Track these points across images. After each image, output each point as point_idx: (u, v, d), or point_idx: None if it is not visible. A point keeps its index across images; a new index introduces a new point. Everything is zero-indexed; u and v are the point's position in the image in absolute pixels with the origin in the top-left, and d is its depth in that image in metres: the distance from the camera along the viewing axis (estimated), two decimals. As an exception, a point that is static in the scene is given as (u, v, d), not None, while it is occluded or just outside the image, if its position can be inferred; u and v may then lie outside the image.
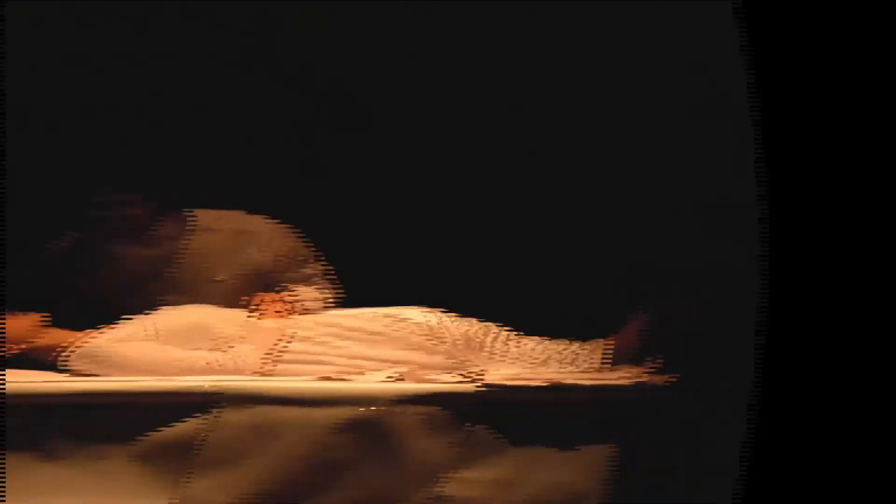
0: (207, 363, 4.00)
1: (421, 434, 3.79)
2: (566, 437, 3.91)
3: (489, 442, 3.86)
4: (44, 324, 4.16)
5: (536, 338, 4.39)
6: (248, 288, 4.52)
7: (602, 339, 4.38)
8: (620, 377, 4.09)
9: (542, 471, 3.88)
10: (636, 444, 3.98)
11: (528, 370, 4.22)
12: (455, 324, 4.30)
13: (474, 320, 4.36)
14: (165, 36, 5.02)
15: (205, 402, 3.68)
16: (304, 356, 4.15)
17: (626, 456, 3.92)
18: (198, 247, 4.60)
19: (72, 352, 4.02)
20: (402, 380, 3.96)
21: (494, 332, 4.34)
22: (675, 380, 4.04)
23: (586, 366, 4.28)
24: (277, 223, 4.66)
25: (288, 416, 3.73)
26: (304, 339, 4.17)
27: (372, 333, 4.21)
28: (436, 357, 4.20)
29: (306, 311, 4.39)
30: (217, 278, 4.58)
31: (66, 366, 4.02)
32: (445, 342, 4.23)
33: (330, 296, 4.65)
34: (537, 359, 4.29)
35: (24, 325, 4.09)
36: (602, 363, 4.30)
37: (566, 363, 4.30)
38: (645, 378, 4.06)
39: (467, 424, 3.83)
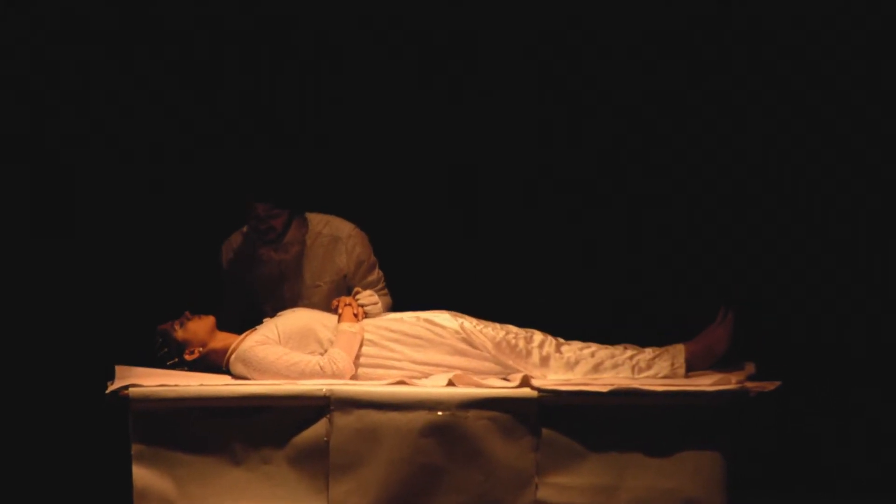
0: (321, 367, 4.25)
1: (506, 438, 4.00)
2: (661, 443, 4.05)
3: (568, 447, 4.03)
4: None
5: (580, 343, 4.49)
6: (338, 292, 4.78)
7: (682, 344, 4.43)
8: (716, 383, 4.16)
9: (642, 476, 4.04)
10: (742, 450, 4.09)
11: (586, 376, 4.34)
12: (488, 329, 4.46)
13: (511, 326, 4.50)
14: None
15: (324, 406, 4.00)
16: (375, 360, 4.40)
17: (732, 462, 4.04)
18: (311, 252, 4.83)
19: (231, 354, 4.36)
20: (478, 385, 4.14)
21: (539, 338, 4.46)
22: (776, 385, 4.12)
23: (667, 371, 4.36)
24: (355, 229, 4.86)
25: (384, 420, 4.00)
26: (372, 343, 4.42)
27: (416, 337, 4.42)
28: (485, 363, 4.39)
29: (366, 315, 4.57)
30: (320, 283, 4.83)
31: (228, 368, 4.38)
32: (488, 348, 4.40)
33: (388, 301, 4.83)
34: (589, 364, 4.38)
35: (205, 328, 4.47)
36: (687, 368, 4.36)
37: (641, 369, 4.38)
38: (742, 384, 4.13)
39: (545, 429, 4.02)
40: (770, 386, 4.11)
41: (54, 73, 5.17)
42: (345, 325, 4.43)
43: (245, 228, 4.88)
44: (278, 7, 5.29)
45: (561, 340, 4.50)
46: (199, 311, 4.52)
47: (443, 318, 4.49)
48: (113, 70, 5.22)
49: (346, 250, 4.84)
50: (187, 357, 4.45)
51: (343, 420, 4.01)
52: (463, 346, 4.41)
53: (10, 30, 5.13)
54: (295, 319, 4.48)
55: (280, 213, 4.70)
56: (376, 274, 4.88)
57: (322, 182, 5.21)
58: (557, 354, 4.41)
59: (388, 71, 5.35)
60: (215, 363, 4.44)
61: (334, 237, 4.86)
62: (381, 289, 4.86)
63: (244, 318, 4.80)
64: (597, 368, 4.39)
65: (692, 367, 4.40)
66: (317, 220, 4.89)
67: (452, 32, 5.32)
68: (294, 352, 4.34)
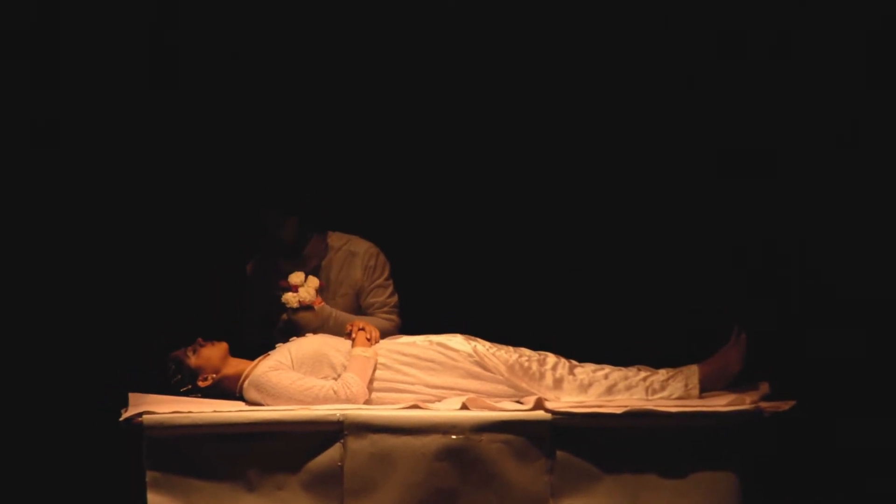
0: (335, 392, 4.26)
1: (520, 461, 4.00)
2: (676, 464, 4.04)
3: (582, 469, 4.03)
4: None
5: (593, 365, 4.49)
6: (353, 305, 4.88)
7: (695, 365, 4.43)
8: (730, 403, 4.16)
9: (657, 498, 4.03)
10: (757, 471, 4.07)
11: (600, 398, 4.34)
12: (501, 352, 4.46)
13: (524, 349, 4.51)
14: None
15: (338, 431, 4.00)
16: (388, 384, 4.40)
17: (747, 482, 4.02)
18: (328, 266, 4.90)
19: (244, 380, 4.37)
20: (491, 408, 4.14)
21: (552, 361, 4.47)
22: (791, 405, 4.12)
23: (681, 392, 4.36)
24: (374, 247, 4.95)
25: (398, 444, 4.00)
26: (385, 367, 4.43)
27: (429, 361, 4.43)
28: (499, 386, 4.40)
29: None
30: (336, 297, 4.88)
31: (241, 394, 4.39)
32: (502, 371, 4.41)
33: (397, 322, 4.90)
34: (602, 386, 4.38)
35: (218, 355, 4.48)
36: (701, 389, 4.36)
37: (655, 390, 4.38)
38: (757, 404, 4.13)
39: (559, 451, 4.01)
40: (785, 406, 4.10)
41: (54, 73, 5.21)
42: (358, 350, 4.44)
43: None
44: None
45: (574, 363, 4.50)
46: (212, 337, 4.52)
47: (456, 341, 4.50)
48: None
49: (362, 264, 4.91)
50: (200, 384, 4.45)
51: (357, 444, 4.00)
52: (476, 369, 4.42)
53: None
54: (307, 344, 4.49)
55: (286, 220, 4.78)
56: (386, 293, 4.93)
57: (334, 203, 5.25)
58: (571, 377, 4.41)
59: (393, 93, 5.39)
60: (229, 389, 4.44)
61: (352, 252, 4.94)
62: (391, 310, 4.92)
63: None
64: (610, 390, 4.39)
65: (706, 388, 4.39)
66: (337, 238, 4.97)
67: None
68: (307, 377, 4.34)
